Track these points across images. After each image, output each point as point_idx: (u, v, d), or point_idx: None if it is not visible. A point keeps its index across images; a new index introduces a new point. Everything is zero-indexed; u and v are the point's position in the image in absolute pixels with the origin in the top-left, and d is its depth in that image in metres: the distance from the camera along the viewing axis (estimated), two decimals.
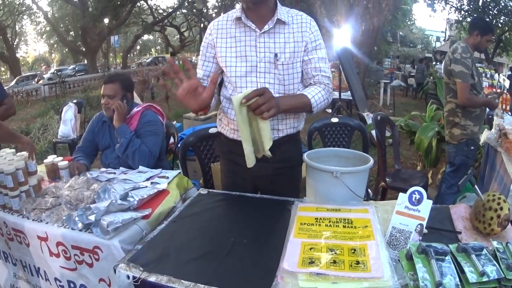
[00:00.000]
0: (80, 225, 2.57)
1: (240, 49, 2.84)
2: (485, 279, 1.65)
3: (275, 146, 2.65)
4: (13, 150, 3.51)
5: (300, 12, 2.96)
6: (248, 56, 2.83)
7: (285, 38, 2.84)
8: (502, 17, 28.36)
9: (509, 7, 27.61)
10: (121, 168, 3.75)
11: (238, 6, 2.93)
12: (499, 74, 17.57)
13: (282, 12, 2.85)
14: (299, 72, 2.93)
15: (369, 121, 9.36)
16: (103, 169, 3.75)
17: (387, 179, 5.37)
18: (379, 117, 5.77)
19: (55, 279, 2.80)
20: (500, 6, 27.62)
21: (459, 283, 1.64)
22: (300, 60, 2.90)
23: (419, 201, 2.13)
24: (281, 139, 2.94)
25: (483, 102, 5.13)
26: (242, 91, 2.76)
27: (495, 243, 1.89)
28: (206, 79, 2.96)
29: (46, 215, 2.77)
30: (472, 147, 5.18)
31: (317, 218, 2.27)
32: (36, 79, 35.33)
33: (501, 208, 2.17)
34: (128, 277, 1.94)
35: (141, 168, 3.68)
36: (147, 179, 3.34)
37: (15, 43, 45.84)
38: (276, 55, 2.81)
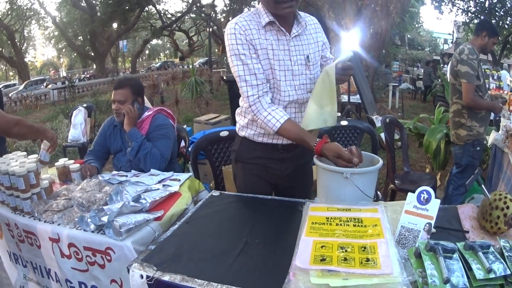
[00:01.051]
0: (92, 226, 2.60)
1: (273, 53, 2.80)
2: (492, 275, 1.67)
3: (294, 145, 2.94)
4: (25, 153, 3.52)
5: (306, 14, 3.05)
6: (281, 60, 2.82)
7: (311, 39, 2.96)
8: (509, 18, 28.27)
9: None
10: (133, 171, 3.77)
11: (253, 9, 2.92)
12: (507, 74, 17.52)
13: (299, 15, 2.91)
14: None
15: (378, 124, 9.35)
16: (114, 172, 3.78)
17: (396, 181, 5.39)
18: (388, 120, 5.79)
19: (66, 280, 2.82)
20: (507, 8, 27.51)
21: (466, 279, 1.66)
22: (320, 59, 3.05)
23: (428, 201, 2.15)
24: None
25: (486, 106, 5.14)
26: (281, 94, 2.86)
27: (502, 241, 1.92)
28: (266, 85, 2.81)
29: (58, 217, 2.79)
30: (478, 148, 5.19)
31: (328, 218, 2.30)
32: (45, 84, 35.38)
33: (508, 207, 2.19)
34: (141, 276, 1.96)
35: (153, 171, 3.70)
36: (159, 182, 3.35)
37: (23, 48, 45.99)
38: (307, 57, 2.90)
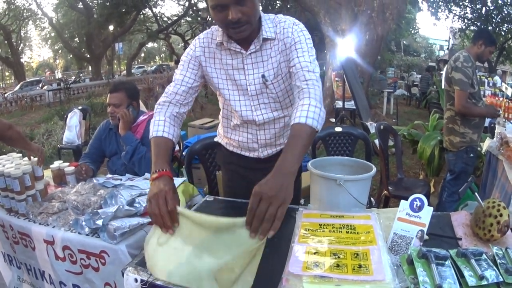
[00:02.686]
0: (87, 229, 2.61)
1: (228, 73, 2.70)
2: (484, 282, 1.68)
3: (276, 157, 2.39)
4: (20, 155, 3.53)
5: (285, 18, 2.69)
6: (237, 80, 2.70)
7: (271, 54, 2.65)
8: (505, 25, 28.35)
9: None
10: (127, 175, 3.78)
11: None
12: (502, 82, 17.58)
13: (268, 26, 2.62)
14: (291, 83, 2.66)
15: (372, 130, 9.37)
16: (109, 176, 3.79)
17: (389, 188, 5.40)
18: (382, 127, 5.80)
19: (60, 282, 2.84)
20: (503, 14, 27.59)
21: (458, 286, 1.66)
22: (287, 70, 2.67)
23: (420, 208, 2.16)
24: (280, 151, 2.66)
25: (479, 113, 5.17)
26: (236, 115, 2.79)
27: (494, 249, 1.92)
28: (183, 96, 2.66)
29: (53, 219, 2.81)
30: (471, 155, 5.22)
31: (321, 224, 2.29)
32: (40, 85, 35.34)
33: (501, 215, 2.21)
34: (136, 280, 1.97)
35: (147, 175, 3.71)
36: None
37: (19, 48, 45.93)
38: (263, 76, 2.66)
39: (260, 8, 2.59)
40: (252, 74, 2.67)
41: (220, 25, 2.49)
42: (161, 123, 2.54)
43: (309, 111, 2.23)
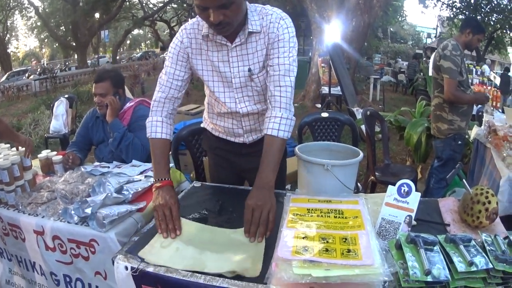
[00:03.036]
0: (76, 218, 2.60)
1: (213, 64, 2.71)
2: (473, 268, 1.69)
3: (261, 142, 2.56)
4: (8, 145, 3.50)
5: (272, 10, 2.67)
6: (222, 72, 2.71)
7: (257, 47, 2.65)
8: (494, 15, 28.41)
9: (502, 5, 27.65)
10: (115, 162, 3.78)
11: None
12: (490, 71, 17.66)
13: (254, 19, 2.60)
14: None
15: (359, 116, 9.40)
16: (96, 163, 3.78)
17: (376, 173, 5.43)
18: (368, 112, 5.82)
19: (51, 273, 2.82)
20: (493, 4, 27.67)
21: (448, 272, 1.68)
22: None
23: (408, 193, 2.18)
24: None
25: (468, 100, 5.19)
26: (220, 106, 2.84)
27: (483, 235, 1.95)
28: (176, 91, 2.78)
29: (42, 209, 2.79)
30: (459, 142, 5.24)
31: (309, 209, 2.31)
32: (26, 74, 35.10)
33: (489, 202, 2.23)
34: (126, 268, 1.98)
35: (134, 162, 3.72)
36: (141, 173, 3.38)
37: (6, 39, 45.60)
38: (249, 69, 2.68)
39: None
40: (237, 67, 2.68)
41: (206, 22, 2.49)
42: (158, 124, 2.73)
43: (281, 124, 2.50)
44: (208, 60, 2.72)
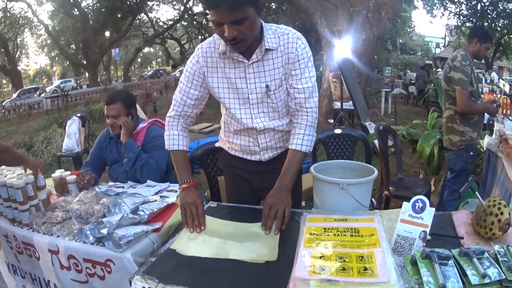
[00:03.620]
0: (91, 238, 2.61)
1: (230, 81, 2.77)
2: (487, 280, 1.71)
3: (277, 160, 2.85)
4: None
5: (287, 29, 2.73)
6: (239, 88, 2.77)
7: (274, 65, 2.72)
8: (501, 21, 28.31)
9: (508, 11, 27.53)
10: (129, 182, 3.80)
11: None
12: (499, 78, 17.56)
13: (269, 36, 2.67)
14: None
15: (371, 131, 9.38)
16: (111, 183, 3.80)
17: (390, 188, 5.40)
18: (381, 127, 5.82)
19: None
20: (499, 10, 27.53)
21: (462, 285, 1.70)
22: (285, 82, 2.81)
23: (422, 209, 2.18)
24: (281, 154, 2.98)
25: (481, 109, 5.21)
26: (237, 122, 2.88)
27: (496, 247, 1.96)
28: (190, 108, 2.94)
29: (57, 229, 2.80)
30: (471, 153, 5.22)
31: (326, 228, 2.31)
32: (38, 92, 35.29)
33: (502, 213, 2.23)
34: None
35: (149, 182, 3.73)
36: (156, 193, 3.39)
37: (16, 56, 45.88)
38: (267, 86, 2.73)
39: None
40: (254, 83, 2.74)
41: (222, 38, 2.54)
42: (175, 137, 2.94)
43: (304, 140, 2.75)
44: (225, 78, 2.78)
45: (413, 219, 2.19)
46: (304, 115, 2.78)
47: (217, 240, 2.43)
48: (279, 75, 2.74)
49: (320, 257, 1.96)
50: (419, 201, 2.19)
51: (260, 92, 2.76)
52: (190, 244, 2.41)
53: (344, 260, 1.91)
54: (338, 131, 5.26)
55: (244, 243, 2.39)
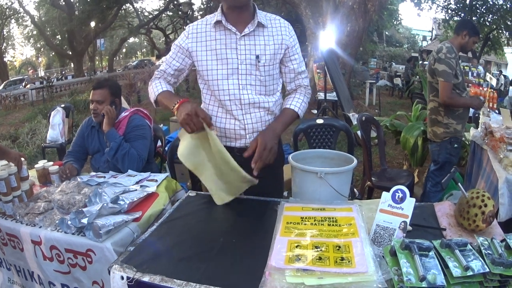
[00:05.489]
0: (73, 228, 2.61)
1: (220, 52, 2.89)
2: (469, 273, 1.70)
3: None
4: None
5: (277, 16, 3.06)
6: (229, 58, 2.88)
7: (265, 40, 2.92)
8: (490, 16, 28.35)
9: (497, 6, 27.57)
10: (111, 172, 3.77)
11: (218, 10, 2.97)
12: (485, 72, 17.61)
13: (261, 15, 2.92)
14: (278, 72, 3.07)
15: (355, 122, 9.39)
16: (93, 173, 3.77)
17: (373, 179, 5.42)
18: (363, 118, 5.82)
19: (49, 282, 2.83)
20: (488, 5, 27.57)
21: (443, 277, 1.69)
22: (278, 61, 3.02)
23: (402, 199, 2.18)
24: None
25: (463, 103, 5.21)
26: (223, 93, 2.91)
27: (480, 239, 1.95)
28: (169, 76, 3.14)
29: (39, 220, 2.80)
30: (455, 145, 5.24)
31: (303, 217, 2.32)
32: (23, 83, 35.04)
33: (485, 205, 2.24)
34: (122, 277, 1.98)
35: (130, 171, 3.71)
36: (137, 183, 3.37)
37: (2, 47, 45.54)
38: (257, 56, 2.88)
39: None
40: (244, 55, 2.89)
41: None
42: (159, 85, 3.06)
43: (302, 105, 3.10)
44: (213, 50, 2.92)
45: (393, 209, 2.19)
46: (303, 90, 3.17)
47: (203, 156, 2.79)
48: (270, 52, 2.93)
49: (297, 246, 1.96)
50: (399, 191, 2.20)
51: (249, 63, 2.89)
52: (187, 140, 2.80)
53: (320, 250, 1.91)
54: (320, 121, 5.25)
55: (217, 176, 2.80)
